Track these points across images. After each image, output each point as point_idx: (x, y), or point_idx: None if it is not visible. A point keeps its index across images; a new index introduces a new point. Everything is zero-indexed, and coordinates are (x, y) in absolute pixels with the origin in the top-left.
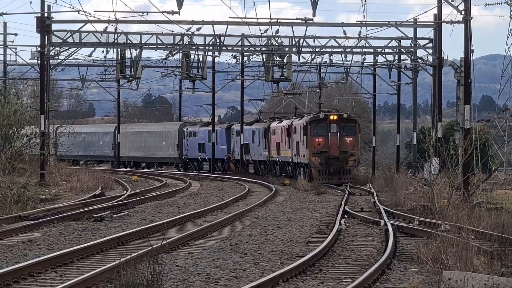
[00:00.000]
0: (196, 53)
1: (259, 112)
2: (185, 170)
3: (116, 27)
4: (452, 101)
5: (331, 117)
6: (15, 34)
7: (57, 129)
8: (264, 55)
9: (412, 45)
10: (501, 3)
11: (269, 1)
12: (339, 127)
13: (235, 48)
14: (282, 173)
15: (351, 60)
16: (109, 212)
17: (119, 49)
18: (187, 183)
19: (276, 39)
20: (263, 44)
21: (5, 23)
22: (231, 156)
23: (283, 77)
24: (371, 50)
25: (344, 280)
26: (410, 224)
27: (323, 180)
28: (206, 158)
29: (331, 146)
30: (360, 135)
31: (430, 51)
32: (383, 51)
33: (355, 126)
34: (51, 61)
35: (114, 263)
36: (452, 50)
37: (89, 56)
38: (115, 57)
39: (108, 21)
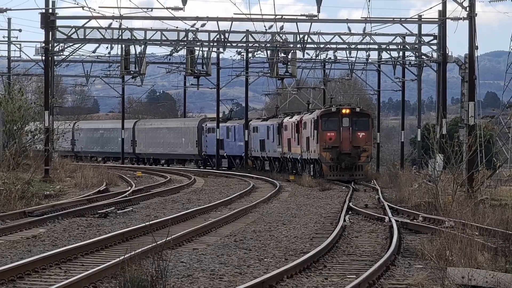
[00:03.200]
0: (201, 49)
1: (276, 107)
2: (205, 167)
3: (121, 23)
4: (456, 97)
5: (343, 110)
6: (19, 30)
7: (74, 125)
8: (268, 52)
9: (417, 42)
10: None
11: None
12: (352, 121)
13: (239, 45)
14: (293, 171)
15: (356, 57)
16: (113, 208)
17: (123, 45)
18: (191, 179)
19: (281, 35)
20: (267, 40)
21: (9, 19)
22: (249, 152)
23: (288, 74)
24: (376, 46)
25: (348, 276)
26: (415, 220)
27: (334, 176)
28: (225, 154)
29: (342, 141)
30: (373, 130)
31: (435, 47)
32: (388, 47)
33: (368, 120)
34: (55, 57)
35: (118, 259)
36: (457, 47)
37: (94, 52)
38: (119, 53)
39: (113, 17)
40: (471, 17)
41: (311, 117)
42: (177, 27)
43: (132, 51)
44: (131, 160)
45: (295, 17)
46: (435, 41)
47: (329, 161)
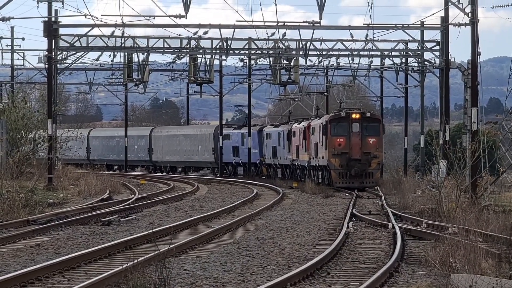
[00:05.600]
0: (203, 56)
1: (289, 113)
2: (221, 175)
3: (123, 31)
4: (459, 103)
5: (353, 115)
6: (23, 39)
7: (89, 133)
8: (271, 58)
9: (419, 48)
10: (508, 5)
11: (275, 5)
12: (362, 126)
13: (242, 52)
14: (301, 178)
15: (358, 63)
16: (116, 216)
17: (126, 53)
18: (194, 187)
19: (283, 42)
20: (270, 47)
21: (12, 28)
22: (263, 160)
23: (290, 80)
24: (378, 52)
25: (352, 284)
26: (418, 227)
27: (343, 183)
28: (240, 162)
29: (352, 147)
30: (384, 136)
31: (437, 53)
32: (390, 53)
33: (379, 125)
34: (58, 65)
35: (121, 267)
36: (459, 53)
37: (96, 60)
38: (122, 61)
39: (115, 25)
40: (474, 23)
41: (320, 122)
42: (179, 35)
43: (135, 58)
44: (148, 168)
45: (297, 23)
46: (437, 47)
47: (338, 168)
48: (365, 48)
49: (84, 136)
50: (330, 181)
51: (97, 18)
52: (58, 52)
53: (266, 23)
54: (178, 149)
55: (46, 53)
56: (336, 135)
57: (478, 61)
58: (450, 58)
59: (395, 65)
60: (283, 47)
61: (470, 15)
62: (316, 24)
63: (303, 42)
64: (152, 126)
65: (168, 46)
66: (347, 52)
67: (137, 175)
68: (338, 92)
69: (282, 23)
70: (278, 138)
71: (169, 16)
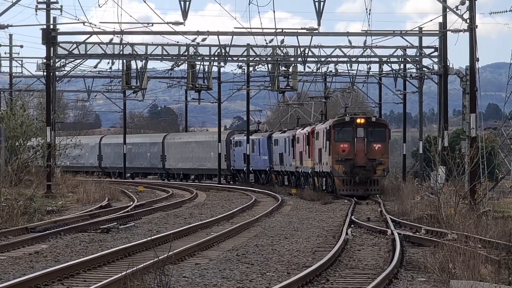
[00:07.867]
0: (202, 63)
1: (297, 118)
2: (234, 183)
3: (122, 38)
4: (458, 109)
5: (358, 120)
6: (21, 46)
7: (100, 140)
8: (269, 65)
9: (418, 54)
10: (506, 11)
11: (273, 11)
12: (367, 132)
13: (240, 58)
14: (305, 185)
15: (357, 69)
16: (115, 223)
17: (124, 60)
18: (193, 194)
19: (281, 49)
20: (268, 54)
21: (10, 35)
22: (272, 166)
23: (289, 87)
24: (377, 59)
25: None
26: (417, 233)
27: (347, 191)
28: (251, 169)
29: (357, 153)
30: (389, 142)
31: (436, 59)
32: (389, 60)
33: (385, 131)
34: (57, 72)
35: (120, 275)
36: (458, 59)
37: (95, 67)
38: (120, 68)
39: (114, 32)
40: (472, 29)
41: (323, 127)
42: (178, 42)
43: (133, 66)
44: (161, 175)
45: (295, 30)
46: (436, 53)
47: (342, 175)
48: (364, 54)
49: (96, 143)
50: (334, 188)
51: (95, 25)
52: (57, 60)
53: (264, 30)
54: (190, 156)
55: (45, 60)
56: (340, 141)
57: (477, 67)
58: (448, 64)
59: (394, 71)
60: (281, 54)
61: (468, 21)
62: (314, 31)
63: (301, 49)
64: (165, 133)
65: (166, 53)
66: (345, 59)
67: (137, 182)
68: (342, 96)
69: (280, 30)
70: (285, 144)
71: (167, 23)
